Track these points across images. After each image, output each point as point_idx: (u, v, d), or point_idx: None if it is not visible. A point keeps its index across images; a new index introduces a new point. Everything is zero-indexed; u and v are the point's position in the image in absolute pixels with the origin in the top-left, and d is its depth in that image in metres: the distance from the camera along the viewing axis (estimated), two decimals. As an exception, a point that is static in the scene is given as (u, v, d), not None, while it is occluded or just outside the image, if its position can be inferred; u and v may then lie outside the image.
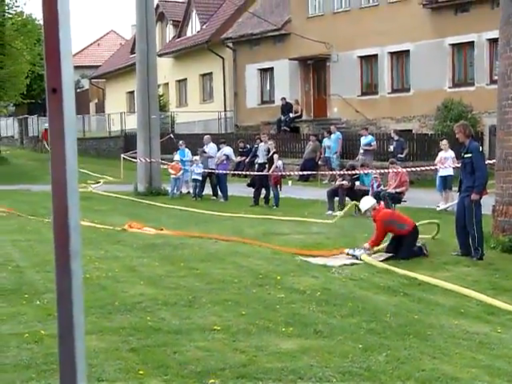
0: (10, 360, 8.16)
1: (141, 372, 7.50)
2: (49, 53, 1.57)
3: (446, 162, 21.18)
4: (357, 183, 21.48)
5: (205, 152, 26.65)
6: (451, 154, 21.13)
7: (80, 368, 1.63)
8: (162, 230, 18.01)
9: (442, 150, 21.91)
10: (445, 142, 21.80)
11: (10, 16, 39.78)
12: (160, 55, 41.14)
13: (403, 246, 14.11)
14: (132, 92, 49.11)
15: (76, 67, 65.02)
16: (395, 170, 20.78)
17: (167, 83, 49.07)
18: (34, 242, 16.24)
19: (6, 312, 10.27)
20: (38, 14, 67.75)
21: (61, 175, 1.59)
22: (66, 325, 1.63)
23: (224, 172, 26.39)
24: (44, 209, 22.35)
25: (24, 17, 41.38)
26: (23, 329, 9.41)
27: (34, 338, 8.95)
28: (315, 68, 40.20)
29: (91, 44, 69.25)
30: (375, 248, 14.41)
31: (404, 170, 21.37)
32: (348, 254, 14.13)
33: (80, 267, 1.64)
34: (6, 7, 39.41)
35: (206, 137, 28.13)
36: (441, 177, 21.81)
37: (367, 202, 15.50)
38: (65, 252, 1.59)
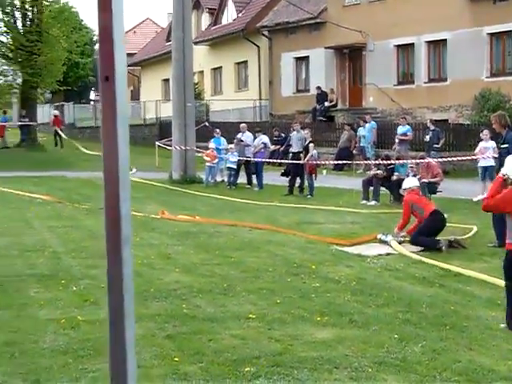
0: (48, 345, 8.25)
1: (176, 359, 7.54)
2: (102, 41, 1.58)
3: (487, 152, 20.94)
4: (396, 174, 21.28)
5: (241, 140, 26.63)
6: (492, 144, 20.84)
7: (130, 356, 1.64)
8: (195, 217, 18.06)
9: (482, 140, 21.67)
10: (486, 131, 21.53)
11: (48, 4, 40.04)
12: (196, 43, 41.18)
13: (415, 231, 14.15)
14: (167, 80, 49.19)
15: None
16: (424, 161, 20.53)
17: (202, 71, 49.10)
18: (70, 228, 16.39)
19: (43, 297, 10.38)
20: (74, 2, 68.26)
21: (113, 163, 1.60)
22: (117, 312, 1.64)
23: (261, 160, 26.38)
24: (79, 195, 22.54)
25: (61, 4, 41.68)
26: (60, 314, 9.50)
27: (71, 324, 9.03)
28: (351, 57, 40.00)
29: (127, 32, 69.40)
30: (402, 233, 14.41)
31: (435, 161, 21.21)
32: (380, 240, 14.18)
33: (130, 255, 1.64)
34: (44, -5, 39.73)
35: (242, 125, 28.10)
36: (481, 167, 21.59)
37: (410, 182, 15.37)
38: (116, 239, 1.60)
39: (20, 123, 42.61)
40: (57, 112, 47.75)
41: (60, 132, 43.36)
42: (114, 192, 1.61)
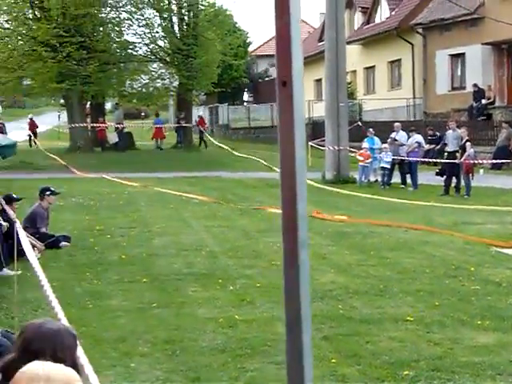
0: (207, 343, 8.41)
1: (333, 360, 7.52)
2: (279, 45, 1.58)
3: None
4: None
5: (396, 140, 26.34)
6: None
7: (307, 362, 1.64)
8: (347, 218, 17.98)
9: None
10: None
11: (203, 8, 40.96)
12: (348, 42, 41.01)
13: None
14: (320, 80, 49.25)
15: (265, 56, 65.99)
16: None
17: (355, 71, 48.86)
18: (226, 228, 16.64)
19: (201, 296, 10.60)
20: (228, 5, 69.41)
21: (290, 166, 1.60)
22: (294, 317, 1.63)
23: (415, 160, 26.00)
24: (233, 195, 22.86)
25: (216, 8, 42.47)
26: (218, 313, 9.67)
27: (229, 323, 9.18)
28: (510, 52, 38.75)
29: (279, 33, 70.01)
30: None
31: None
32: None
33: (307, 258, 1.63)
34: (200, -1, 40.67)
35: (396, 124, 27.78)
36: None
37: None
38: (293, 242, 1.59)
39: (176, 125, 43.74)
40: (201, 113, 48.76)
41: (204, 132, 44.23)
42: (292, 194, 1.61)
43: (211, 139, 43.42)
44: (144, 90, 43.33)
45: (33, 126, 43.17)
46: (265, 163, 32.64)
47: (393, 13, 45.89)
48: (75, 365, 3.30)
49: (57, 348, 3.21)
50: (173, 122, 50.14)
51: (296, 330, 1.61)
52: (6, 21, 39.21)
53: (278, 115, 1.63)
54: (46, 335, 3.26)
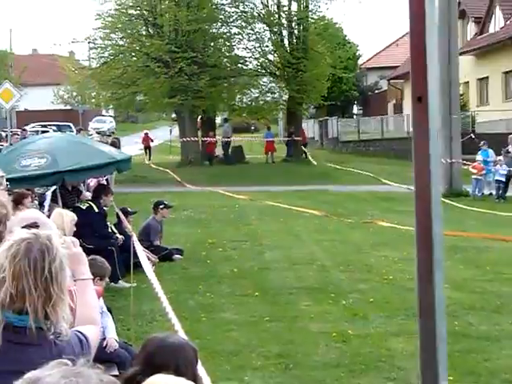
0: (320, 358, 8.38)
1: (450, 377, 7.36)
2: (415, 62, 1.55)
3: None
4: None
5: (509, 152, 25.70)
6: None
7: (442, 377, 1.60)
8: (461, 232, 17.62)
9: None
10: None
11: (313, 21, 40.98)
12: (461, 53, 40.30)
13: None
14: (430, 92, 48.55)
15: (374, 68, 65.52)
16: None
17: (467, 82, 47.96)
18: (337, 242, 16.55)
19: (314, 310, 10.57)
20: (338, 18, 69.34)
21: (425, 182, 1.57)
22: (429, 336, 1.60)
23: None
24: (344, 209, 22.71)
25: (326, 21, 42.44)
26: (331, 328, 9.62)
27: (342, 338, 9.12)
28: None
29: (390, 45, 69.45)
30: None
31: None
32: None
33: (442, 277, 1.60)
34: (310, 13, 40.61)
35: (510, 136, 27.11)
36: None
37: None
38: (428, 260, 1.56)
39: (287, 138, 43.81)
40: (304, 126, 48.84)
41: (303, 147, 43.88)
42: (426, 211, 1.58)
43: (309, 156, 43.21)
44: (254, 103, 43.63)
45: (147, 141, 44.00)
46: (373, 176, 32.37)
47: (508, 22, 44.87)
48: (196, 379, 3.34)
49: (179, 362, 3.25)
50: (282, 136, 50.28)
51: (431, 351, 1.57)
52: (120, 38, 40.23)
53: (413, 131, 1.60)
54: (169, 349, 3.31)
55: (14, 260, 2.96)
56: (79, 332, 3.23)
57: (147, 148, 43.49)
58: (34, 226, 3.52)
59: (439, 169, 1.55)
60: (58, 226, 5.38)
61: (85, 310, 3.45)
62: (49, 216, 9.52)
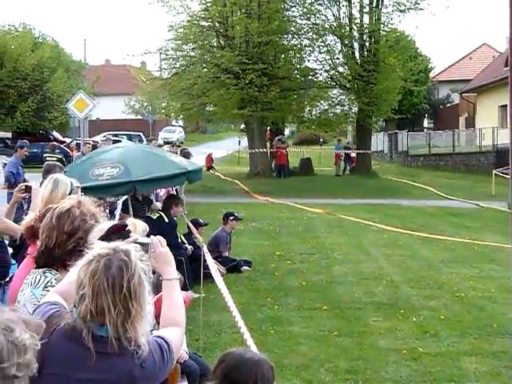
0: (390, 375, 8.25)
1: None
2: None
3: None
4: None
5: None
6: None
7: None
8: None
9: None
10: None
11: (385, 33, 40.65)
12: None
13: None
14: (504, 106, 47.74)
15: (446, 81, 64.77)
16: None
17: (541, 96, 47.05)
18: (407, 257, 16.33)
19: (383, 326, 10.42)
20: (410, 30, 68.61)
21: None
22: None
23: None
24: (412, 223, 22.40)
25: (398, 33, 42.06)
26: (400, 345, 9.48)
27: (412, 355, 8.97)
28: None
29: (463, 58, 68.60)
30: None
31: None
32: None
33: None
34: (382, 25, 40.29)
35: None
36: None
37: None
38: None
39: (356, 151, 43.55)
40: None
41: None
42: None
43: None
44: (323, 116, 43.47)
45: (209, 162, 43.95)
46: (435, 191, 31.95)
47: None
48: (273, 396, 3.31)
49: (257, 378, 3.23)
50: (352, 149, 50.05)
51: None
52: (192, 49, 40.53)
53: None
54: (247, 365, 3.28)
55: (93, 278, 2.98)
56: (160, 338, 3.22)
57: (210, 169, 43.03)
58: (126, 230, 3.53)
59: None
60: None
61: (170, 311, 3.43)
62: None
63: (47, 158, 20.99)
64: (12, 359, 1.88)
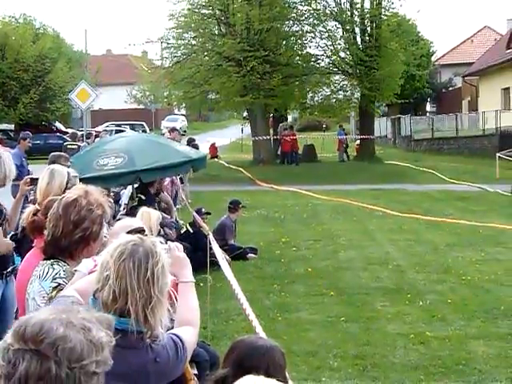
0: (398, 360, 8.26)
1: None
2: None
3: None
4: None
5: None
6: None
7: None
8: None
9: None
10: None
11: (386, 18, 40.48)
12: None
13: None
14: (507, 88, 47.67)
15: (448, 65, 64.58)
16: None
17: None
18: (412, 242, 16.32)
19: (390, 311, 10.43)
20: (412, 15, 68.30)
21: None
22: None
23: None
24: (419, 208, 22.35)
25: (399, 17, 41.87)
26: (408, 329, 9.49)
27: (420, 340, 8.98)
28: None
29: (464, 41, 68.36)
30: None
31: None
32: None
33: None
34: (383, 10, 40.13)
35: None
36: None
37: None
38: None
39: (360, 137, 43.49)
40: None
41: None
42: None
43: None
44: (326, 102, 43.40)
45: (214, 152, 43.70)
46: (439, 175, 31.86)
47: None
48: (285, 382, 3.31)
49: (270, 365, 3.24)
50: (354, 134, 49.98)
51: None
52: (193, 37, 40.45)
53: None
54: (260, 352, 3.29)
55: (119, 259, 3.04)
56: (175, 335, 3.27)
57: (214, 157, 42.73)
58: (141, 231, 3.60)
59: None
60: (145, 224, 5.42)
61: (185, 311, 3.52)
62: (127, 215, 9.62)
63: (68, 146, 21.10)
64: (91, 357, 1.95)
